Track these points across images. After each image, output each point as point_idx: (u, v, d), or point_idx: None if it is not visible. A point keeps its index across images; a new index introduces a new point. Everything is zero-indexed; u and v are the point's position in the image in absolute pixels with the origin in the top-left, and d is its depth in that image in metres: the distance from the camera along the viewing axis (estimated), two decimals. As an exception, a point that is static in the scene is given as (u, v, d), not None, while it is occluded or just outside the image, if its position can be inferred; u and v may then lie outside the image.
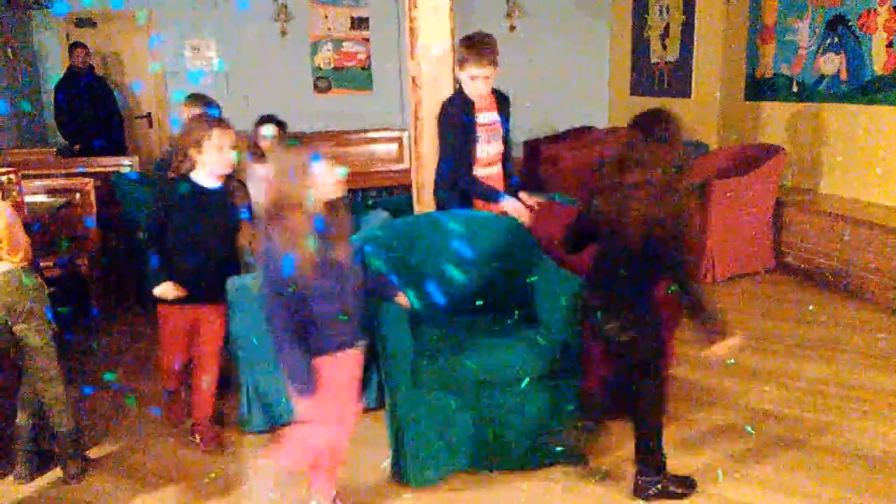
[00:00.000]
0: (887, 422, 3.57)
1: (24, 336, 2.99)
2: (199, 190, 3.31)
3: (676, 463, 3.22)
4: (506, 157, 3.95)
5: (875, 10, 5.58)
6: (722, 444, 3.40)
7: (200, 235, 3.33)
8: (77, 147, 7.62)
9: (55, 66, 8.54)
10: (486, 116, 3.79)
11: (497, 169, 3.89)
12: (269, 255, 2.45)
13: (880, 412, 3.66)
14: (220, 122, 3.34)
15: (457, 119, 3.72)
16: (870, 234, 5.15)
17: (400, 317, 3.02)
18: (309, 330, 2.52)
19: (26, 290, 2.97)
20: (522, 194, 3.82)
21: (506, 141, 3.93)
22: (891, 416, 3.62)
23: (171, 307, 3.39)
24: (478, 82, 3.66)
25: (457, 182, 3.75)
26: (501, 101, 3.89)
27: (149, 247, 3.30)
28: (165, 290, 3.28)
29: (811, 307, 5.13)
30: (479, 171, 3.79)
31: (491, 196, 3.73)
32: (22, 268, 2.99)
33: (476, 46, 3.65)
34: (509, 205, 3.67)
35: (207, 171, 3.30)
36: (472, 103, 3.72)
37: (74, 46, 7.79)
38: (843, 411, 3.68)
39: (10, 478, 3.22)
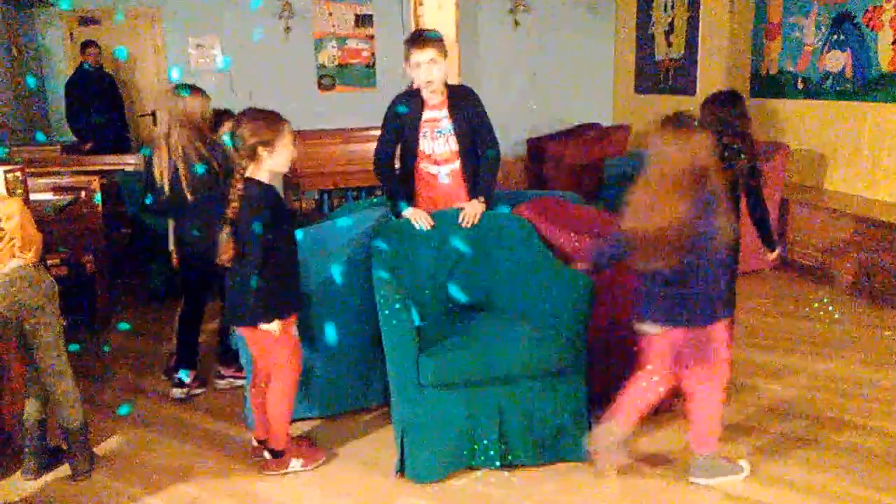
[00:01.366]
0: (884, 415, 3.59)
1: (34, 331, 3.00)
2: (276, 193, 3.05)
3: (680, 457, 3.23)
4: (469, 157, 3.76)
5: (881, 6, 5.57)
6: (725, 438, 3.37)
7: (293, 242, 3.13)
8: (88, 145, 7.64)
9: (60, 64, 8.56)
10: (431, 113, 3.72)
11: (451, 168, 3.76)
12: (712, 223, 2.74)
13: (887, 409, 3.66)
14: (283, 118, 3.08)
15: (390, 111, 3.78)
16: (875, 231, 5.15)
17: (403, 313, 3.02)
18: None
19: (38, 286, 2.99)
20: (475, 201, 3.66)
21: (466, 140, 3.73)
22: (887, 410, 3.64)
23: (288, 321, 3.13)
24: (421, 68, 3.61)
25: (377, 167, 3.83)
26: (456, 97, 3.74)
27: (257, 266, 2.93)
28: (276, 327, 3.03)
29: (816, 304, 5.13)
30: (428, 167, 3.76)
31: (391, 197, 3.78)
32: (33, 264, 3.01)
33: (415, 34, 3.70)
34: (407, 213, 3.64)
35: (267, 169, 3.01)
36: (421, 100, 3.71)
37: (87, 45, 7.79)
38: (849, 408, 3.68)
39: (18, 474, 3.24)
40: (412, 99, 3.72)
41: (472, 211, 3.61)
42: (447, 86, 3.75)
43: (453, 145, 3.71)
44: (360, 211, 4.04)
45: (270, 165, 3.00)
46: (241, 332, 3.21)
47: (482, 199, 3.67)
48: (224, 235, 2.95)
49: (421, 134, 3.71)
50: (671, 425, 3.53)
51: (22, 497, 3.12)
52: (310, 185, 8.47)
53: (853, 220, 5.36)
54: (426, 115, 3.71)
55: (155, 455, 3.44)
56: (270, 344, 3.10)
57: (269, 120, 3.00)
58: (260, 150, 2.95)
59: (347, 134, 8.57)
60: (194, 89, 3.88)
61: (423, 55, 3.58)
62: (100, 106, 7.71)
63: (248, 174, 2.98)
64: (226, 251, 2.95)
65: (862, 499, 2.94)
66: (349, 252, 3.56)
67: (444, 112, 3.72)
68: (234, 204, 2.93)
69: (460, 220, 3.61)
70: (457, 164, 3.74)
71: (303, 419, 3.65)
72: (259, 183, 2.98)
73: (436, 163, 3.74)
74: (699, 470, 3.05)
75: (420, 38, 3.65)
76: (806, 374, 4.08)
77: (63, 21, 8.54)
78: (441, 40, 3.67)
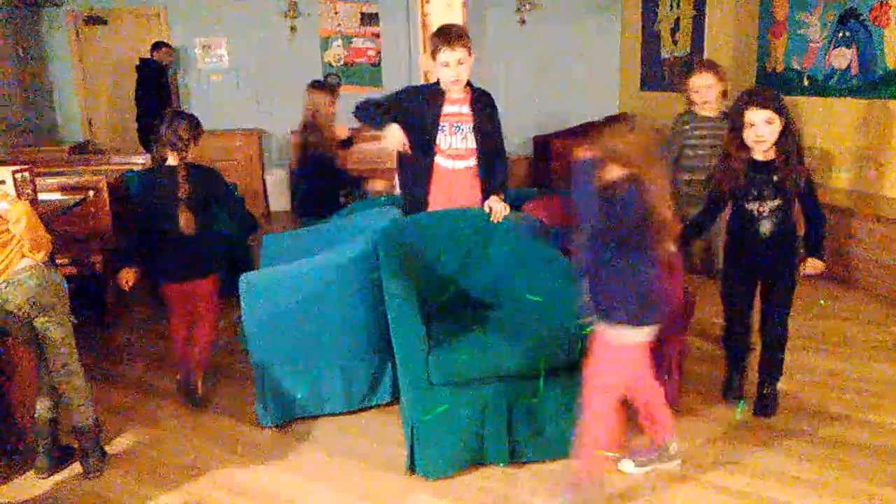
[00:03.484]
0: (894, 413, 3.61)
1: (45, 329, 3.03)
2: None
3: (683, 454, 3.24)
4: (484, 157, 3.78)
5: (887, 3, 5.56)
6: (728, 435, 3.42)
7: None
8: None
9: (65, 65, 8.60)
10: (452, 108, 3.74)
11: (466, 164, 3.76)
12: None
13: (890, 405, 3.67)
14: None
15: (399, 100, 3.78)
16: (881, 228, 5.15)
17: (413, 312, 3.04)
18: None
19: (49, 284, 3.01)
20: (493, 198, 3.69)
21: (483, 140, 3.77)
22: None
23: None
24: (450, 68, 3.64)
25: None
26: (478, 99, 3.79)
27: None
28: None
29: (821, 302, 5.12)
30: (444, 162, 3.75)
31: (375, 122, 3.77)
32: (44, 263, 3.04)
33: (445, 32, 3.67)
34: (387, 132, 3.66)
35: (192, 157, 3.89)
36: (443, 93, 3.72)
37: (160, 45, 8.03)
38: (852, 404, 3.69)
39: (30, 472, 3.26)
40: (432, 93, 3.73)
41: (501, 207, 3.66)
42: (471, 86, 3.77)
43: (471, 142, 3.72)
44: (370, 209, 4.05)
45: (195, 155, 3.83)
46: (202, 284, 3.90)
47: (502, 196, 3.71)
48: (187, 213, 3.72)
49: (440, 128, 3.72)
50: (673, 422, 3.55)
51: (34, 495, 3.14)
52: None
53: (859, 217, 5.35)
54: (446, 109, 3.72)
55: (166, 453, 3.46)
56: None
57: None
58: (192, 144, 3.77)
59: (354, 133, 8.56)
60: (313, 86, 5.19)
61: (452, 55, 3.59)
62: (163, 102, 7.99)
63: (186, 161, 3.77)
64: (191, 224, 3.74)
65: (872, 495, 2.96)
66: (359, 249, 3.57)
67: (466, 108, 3.73)
68: (187, 186, 3.71)
69: (493, 217, 3.64)
70: (472, 162, 3.75)
71: (314, 416, 3.67)
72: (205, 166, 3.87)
73: (452, 157, 3.75)
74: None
75: (451, 37, 3.62)
76: (810, 370, 4.09)
77: (69, 21, 8.56)
78: (469, 38, 3.67)
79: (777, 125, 3.24)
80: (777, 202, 3.33)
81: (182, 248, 3.76)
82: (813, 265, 3.39)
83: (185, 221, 3.71)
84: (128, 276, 3.71)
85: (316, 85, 5.27)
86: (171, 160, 3.76)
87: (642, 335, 2.71)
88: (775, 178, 3.29)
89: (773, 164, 3.30)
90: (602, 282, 2.70)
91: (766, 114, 3.23)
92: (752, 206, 3.37)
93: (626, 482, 3.08)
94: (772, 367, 3.58)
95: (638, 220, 2.59)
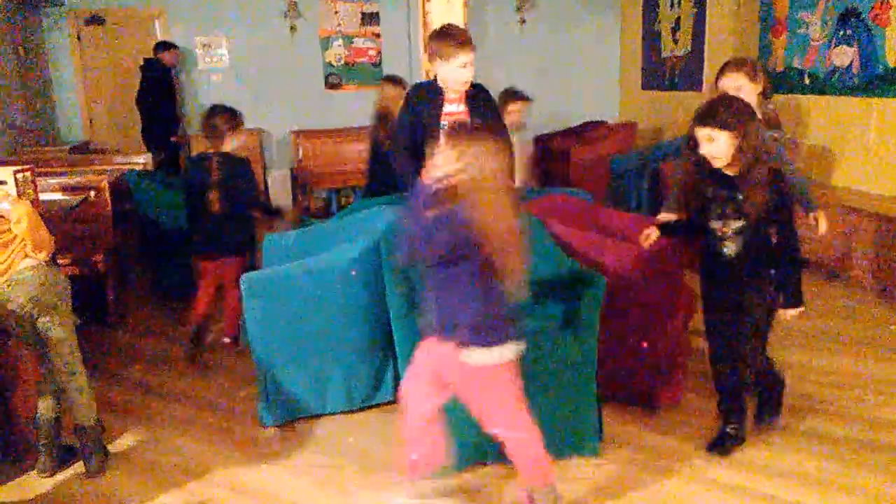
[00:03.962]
0: (890, 408, 3.62)
1: (47, 329, 3.03)
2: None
3: (680, 451, 3.25)
4: None
5: (888, 1, 5.56)
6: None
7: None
8: (174, 139, 7.95)
9: (66, 65, 8.59)
10: (451, 107, 3.77)
11: None
12: None
13: (887, 401, 3.69)
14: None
15: (409, 105, 3.79)
16: (883, 226, 5.14)
17: (415, 312, 3.03)
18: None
19: (51, 284, 3.02)
20: None
21: None
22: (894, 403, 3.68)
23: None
24: (466, 69, 3.66)
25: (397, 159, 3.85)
26: (472, 95, 3.80)
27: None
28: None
29: (823, 300, 5.12)
30: None
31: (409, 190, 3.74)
32: (46, 263, 3.05)
33: (456, 33, 3.69)
34: None
35: (231, 147, 4.47)
36: (442, 92, 3.74)
37: (166, 46, 8.06)
38: (853, 401, 3.70)
39: (33, 472, 3.26)
40: (432, 92, 3.74)
41: None
42: None
43: None
44: (371, 208, 4.05)
45: (232, 145, 4.40)
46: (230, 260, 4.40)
47: None
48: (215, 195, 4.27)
49: (441, 127, 3.72)
50: (672, 418, 3.57)
51: (37, 494, 3.14)
52: (318, 183, 8.49)
53: (860, 215, 5.35)
54: (446, 108, 3.74)
55: (167, 453, 3.46)
56: None
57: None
58: (228, 134, 4.34)
59: (355, 133, 8.58)
60: (386, 80, 5.45)
61: (468, 56, 3.62)
62: (168, 102, 8.09)
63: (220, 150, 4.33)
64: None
65: (872, 491, 2.96)
66: (361, 249, 3.57)
67: (462, 107, 3.75)
68: (219, 172, 4.25)
69: None
70: None
71: (316, 416, 3.67)
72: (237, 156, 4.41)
73: None
74: None
75: (464, 39, 3.64)
76: (808, 368, 4.10)
77: (69, 21, 8.56)
78: None
79: (723, 142, 2.91)
80: (741, 223, 3.01)
81: (212, 227, 4.31)
82: (794, 315, 3.09)
83: (213, 201, 4.25)
84: None
85: (389, 79, 5.40)
86: (209, 148, 4.36)
87: (477, 358, 2.53)
88: (739, 196, 2.99)
89: (738, 180, 3.00)
90: (435, 301, 2.54)
91: (704, 131, 2.95)
92: (716, 225, 3.08)
93: (619, 477, 3.09)
94: (767, 382, 3.46)
95: (466, 240, 2.40)
